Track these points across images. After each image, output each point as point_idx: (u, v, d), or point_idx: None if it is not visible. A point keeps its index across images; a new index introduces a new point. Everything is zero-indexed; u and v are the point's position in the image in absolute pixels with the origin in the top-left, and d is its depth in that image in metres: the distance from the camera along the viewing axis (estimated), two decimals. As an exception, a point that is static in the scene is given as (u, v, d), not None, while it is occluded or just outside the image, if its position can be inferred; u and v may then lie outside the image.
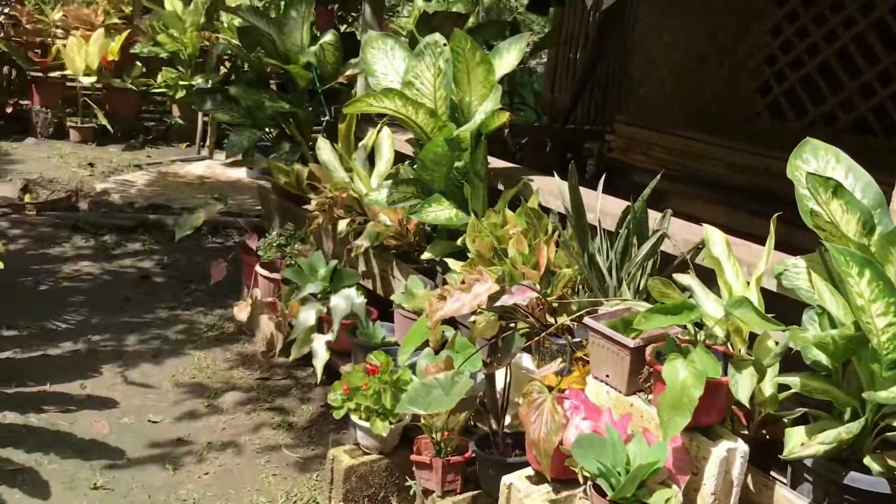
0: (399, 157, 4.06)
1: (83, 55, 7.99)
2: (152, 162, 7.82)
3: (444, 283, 3.34)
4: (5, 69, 8.21)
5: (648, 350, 2.21)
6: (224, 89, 4.47)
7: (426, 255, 3.42)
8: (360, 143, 4.17)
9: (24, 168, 7.01)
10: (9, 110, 8.07)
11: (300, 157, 4.43)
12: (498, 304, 2.50)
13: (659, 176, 2.74)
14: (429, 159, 3.32)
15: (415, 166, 3.71)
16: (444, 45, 3.30)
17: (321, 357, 3.51)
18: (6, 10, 7.99)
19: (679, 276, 2.42)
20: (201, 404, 3.63)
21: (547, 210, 3.15)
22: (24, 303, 4.47)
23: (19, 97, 8.24)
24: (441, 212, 3.33)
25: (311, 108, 4.71)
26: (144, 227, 5.86)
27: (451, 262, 3.16)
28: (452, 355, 2.63)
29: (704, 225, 2.45)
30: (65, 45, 8.02)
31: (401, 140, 4.04)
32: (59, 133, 8.22)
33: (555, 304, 2.69)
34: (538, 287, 2.66)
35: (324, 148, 4.10)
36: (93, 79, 8.05)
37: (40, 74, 8.10)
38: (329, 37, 4.46)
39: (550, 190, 3.20)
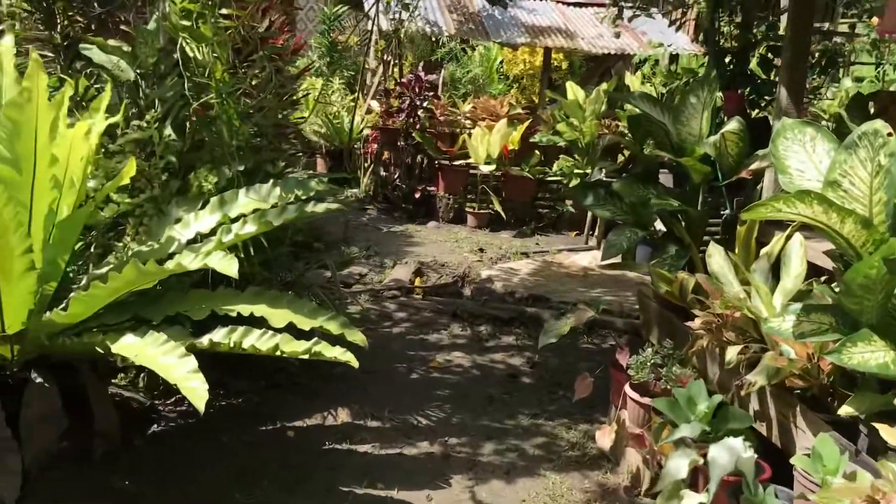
0: (813, 271, 3.25)
1: (485, 144, 8.30)
2: (539, 250, 7.74)
3: (869, 448, 2.48)
4: (418, 158, 8.85)
5: None
6: (607, 184, 4.07)
7: (845, 410, 2.57)
8: (763, 251, 3.44)
9: (422, 251, 7.36)
10: (417, 195, 8.66)
11: (688, 262, 3.82)
12: (965, 520, 1.65)
13: None
14: (857, 283, 2.51)
15: (836, 288, 2.89)
16: (888, 134, 2.50)
17: (691, 522, 2.81)
18: (425, 104, 8.64)
19: None
20: (549, 544, 3.15)
21: None
22: (395, 391, 4.44)
23: (427, 184, 8.83)
24: (870, 354, 2.49)
25: (706, 206, 4.08)
26: (520, 320, 5.67)
27: (882, 430, 2.30)
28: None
29: None
30: (470, 135, 8.42)
31: (817, 250, 3.24)
32: (458, 218, 8.61)
33: None
34: None
35: (715, 255, 3.45)
36: (492, 167, 8.31)
37: (447, 162, 8.59)
38: (732, 125, 3.83)
39: None
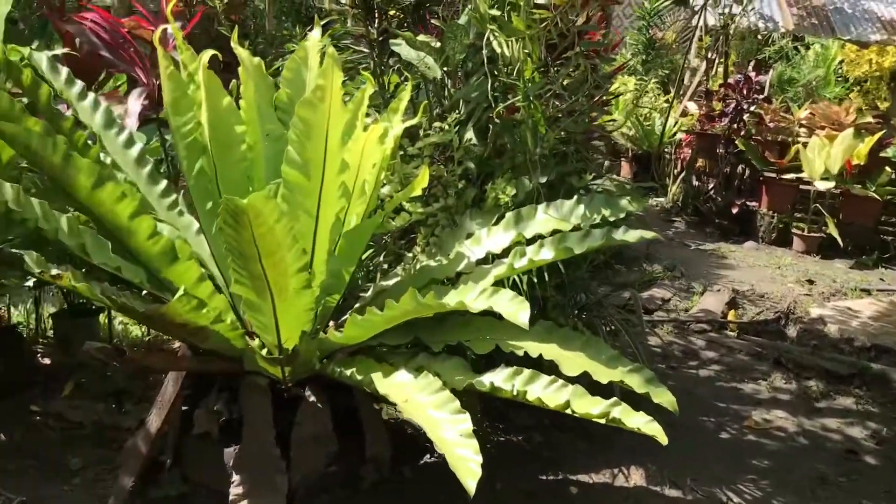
0: None
1: (823, 157, 7.13)
2: (885, 288, 6.45)
3: None
4: (739, 168, 7.88)
5: None
6: None
7: None
8: None
9: (736, 276, 6.45)
10: (734, 210, 7.69)
11: None
12: None
13: None
14: None
15: None
16: None
17: None
18: (752, 108, 7.64)
19: None
20: None
21: None
22: (700, 452, 3.73)
23: (747, 198, 7.81)
24: None
25: None
26: (862, 378, 4.62)
27: None
28: None
29: None
30: (804, 146, 7.28)
31: None
32: (782, 240, 7.51)
33: None
34: None
35: None
36: (830, 184, 7.11)
37: (773, 175, 7.52)
38: None
39: None
